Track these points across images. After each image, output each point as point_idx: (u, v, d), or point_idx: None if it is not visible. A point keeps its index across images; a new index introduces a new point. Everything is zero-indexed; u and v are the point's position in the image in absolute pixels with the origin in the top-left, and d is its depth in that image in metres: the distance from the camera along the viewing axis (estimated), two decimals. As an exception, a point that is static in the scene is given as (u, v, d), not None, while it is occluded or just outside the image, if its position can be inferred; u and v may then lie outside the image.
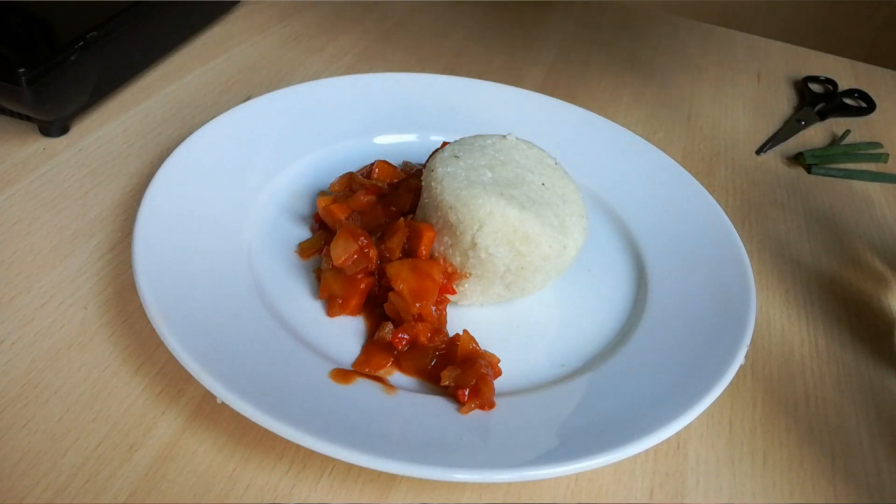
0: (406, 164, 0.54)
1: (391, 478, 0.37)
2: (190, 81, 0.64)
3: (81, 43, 0.53)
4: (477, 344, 0.42)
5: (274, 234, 0.48)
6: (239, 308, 0.41)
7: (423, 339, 0.42)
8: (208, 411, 0.38)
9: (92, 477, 0.35)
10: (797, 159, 0.68)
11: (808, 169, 0.66)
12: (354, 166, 0.52)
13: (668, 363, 0.42)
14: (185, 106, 0.61)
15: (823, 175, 0.66)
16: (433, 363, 0.41)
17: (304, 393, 0.37)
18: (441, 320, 0.44)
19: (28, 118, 0.54)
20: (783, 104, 0.77)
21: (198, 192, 0.47)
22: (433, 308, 0.43)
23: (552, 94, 0.64)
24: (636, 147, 0.59)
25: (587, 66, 0.78)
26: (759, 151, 0.68)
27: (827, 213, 0.61)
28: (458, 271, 0.44)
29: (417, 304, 0.41)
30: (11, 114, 0.55)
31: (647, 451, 0.40)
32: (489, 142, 0.47)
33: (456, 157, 0.46)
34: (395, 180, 0.51)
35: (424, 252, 0.43)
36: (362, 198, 0.47)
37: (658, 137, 0.67)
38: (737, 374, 0.40)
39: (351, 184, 0.50)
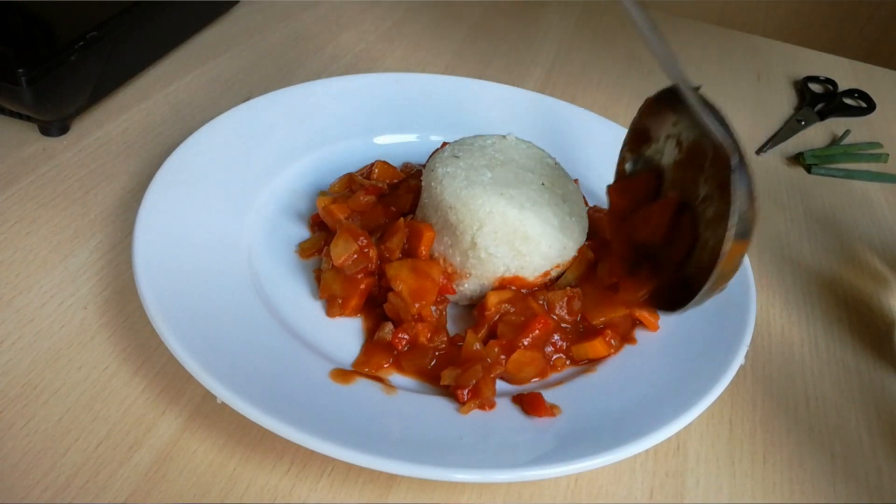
0: (406, 165, 0.54)
1: (391, 478, 0.37)
2: (190, 81, 0.64)
3: (81, 43, 0.53)
4: (481, 344, 0.42)
5: (274, 234, 0.48)
6: (239, 308, 0.41)
7: (423, 339, 0.41)
8: (208, 411, 0.38)
9: (92, 477, 0.35)
10: (797, 159, 0.68)
11: (808, 169, 0.66)
12: (354, 166, 0.52)
13: (669, 363, 0.42)
14: (185, 106, 0.61)
15: (823, 175, 0.66)
16: (433, 363, 0.41)
17: (304, 393, 0.37)
18: (441, 320, 0.44)
19: (28, 118, 0.54)
20: (783, 104, 0.76)
21: (198, 193, 0.47)
22: (433, 308, 0.43)
23: (552, 94, 0.64)
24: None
25: (587, 66, 0.78)
26: (759, 151, 0.68)
27: (827, 213, 0.61)
28: (458, 271, 0.44)
29: (417, 305, 0.41)
30: (11, 114, 0.55)
31: (647, 451, 0.40)
32: (489, 142, 0.47)
33: (456, 157, 0.46)
34: (395, 180, 0.51)
35: (424, 252, 0.43)
36: (362, 198, 0.47)
37: (658, 137, 0.67)
38: (737, 374, 0.40)
39: (351, 184, 0.50)
